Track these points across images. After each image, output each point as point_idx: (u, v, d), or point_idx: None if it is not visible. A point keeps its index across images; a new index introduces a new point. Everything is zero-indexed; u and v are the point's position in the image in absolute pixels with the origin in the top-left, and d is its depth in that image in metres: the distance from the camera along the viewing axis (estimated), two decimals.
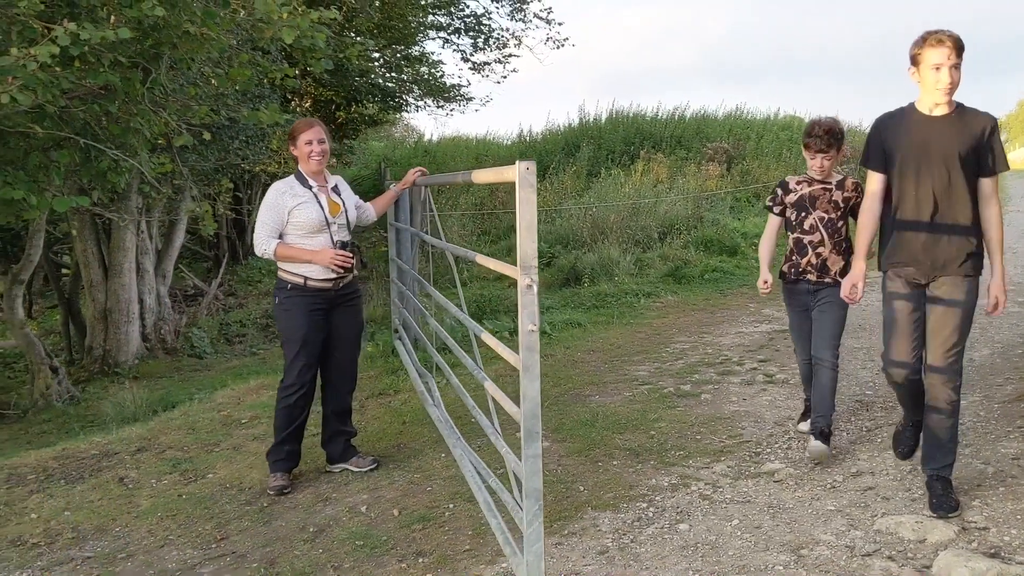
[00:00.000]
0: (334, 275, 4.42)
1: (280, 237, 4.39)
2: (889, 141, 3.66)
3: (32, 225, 8.95)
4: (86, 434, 6.32)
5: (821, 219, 4.39)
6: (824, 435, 4.31)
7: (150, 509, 4.30)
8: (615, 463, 4.51)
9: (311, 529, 3.93)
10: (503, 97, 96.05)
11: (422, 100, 19.70)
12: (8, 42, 5.50)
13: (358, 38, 13.96)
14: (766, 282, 4.56)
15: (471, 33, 18.50)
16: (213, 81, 7.63)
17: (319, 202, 4.40)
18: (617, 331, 8.11)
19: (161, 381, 9.23)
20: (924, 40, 3.47)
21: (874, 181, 3.74)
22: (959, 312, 3.59)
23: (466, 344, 4.88)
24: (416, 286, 7.20)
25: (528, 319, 2.81)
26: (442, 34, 18.69)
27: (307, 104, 16.66)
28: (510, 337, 7.06)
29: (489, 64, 19.40)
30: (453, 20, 18.15)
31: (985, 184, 3.59)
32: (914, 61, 3.54)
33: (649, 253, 11.74)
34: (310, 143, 4.41)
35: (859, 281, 3.78)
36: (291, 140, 4.53)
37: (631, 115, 19.84)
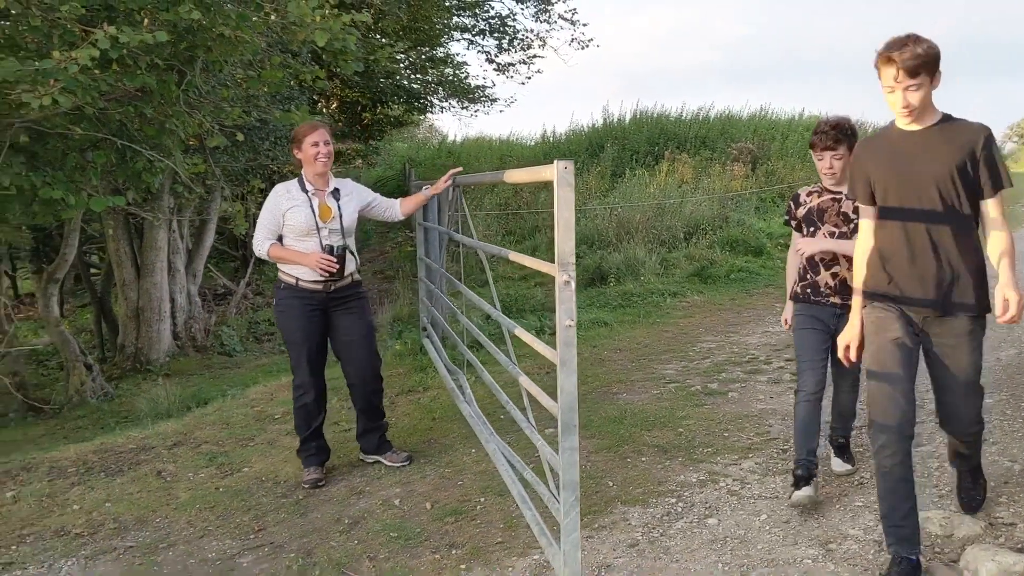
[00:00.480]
0: (322, 278, 4.46)
1: (281, 239, 4.50)
2: (869, 166, 3.18)
3: (68, 225, 9.12)
4: (122, 429, 6.45)
5: (831, 234, 3.87)
6: (842, 448, 4.25)
7: (189, 501, 4.40)
8: (644, 459, 4.57)
9: (346, 521, 4.02)
10: (527, 98, 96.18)
11: (447, 101, 19.82)
12: (50, 45, 5.64)
13: (383, 39, 14.09)
14: (787, 321, 4.08)
15: (496, 34, 18.60)
16: (244, 83, 7.76)
17: (312, 206, 4.46)
18: (643, 330, 8.16)
19: (192, 378, 9.38)
20: (879, 53, 2.95)
21: (864, 215, 3.26)
22: (967, 362, 3.12)
23: (496, 341, 4.95)
24: (444, 284, 7.29)
25: (565, 315, 2.88)
26: (467, 35, 18.82)
27: (333, 106, 16.83)
28: (536, 335, 7.13)
29: (513, 65, 19.50)
30: (478, 22, 18.25)
31: (988, 207, 3.03)
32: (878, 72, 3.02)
33: (675, 253, 11.77)
34: (316, 144, 4.46)
35: (853, 342, 3.23)
36: (296, 143, 4.56)
37: (655, 115, 19.83)
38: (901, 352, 3.09)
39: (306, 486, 4.48)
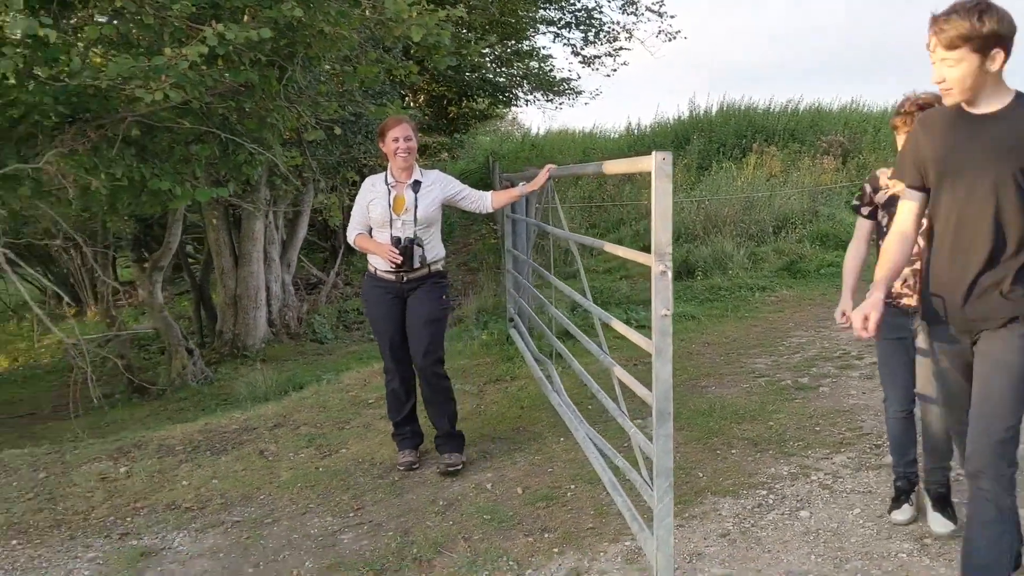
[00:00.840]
0: (392, 268, 4.59)
1: (371, 229, 4.69)
2: (924, 148, 2.74)
3: (171, 215, 9.52)
4: (223, 411, 6.73)
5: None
6: (942, 499, 3.60)
7: (290, 480, 4.59)
8: (734, 452, 4.57)
9: (440, 503, 4.14)
10: (611, 90, 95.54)
11: (532, 94, 19.90)
12: (160, 43, 5.91)
13: (469, 33, 14.25)
14: (844, 314, 3.47)
15: (582, 27, 18.56)
16: (339, 78, 7.98)
17: (389, 199, 4.61)
18: (732, 324, 8.10)
19: (287, 364, 9.68)
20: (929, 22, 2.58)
21: (907, 197, 2.85)
22: (1011, 377, 2.62)
23: (584, 332, 5.01)
24: (532, 275, 7.38)
25: (662, 304, 2.92)
26: (552, 28, 18.83)
27: (420, 100, 17.09)
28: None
29: (599, 58, 19.44)
30: (564, 14, 18.24)
31: None
32: None
33: (763, 247, 11.61)
34: (397, 140, 4.58)
35: (872, 310, 2.71)
36: (380, 137, 4.70)
37: (742, 108, 19.55)
38: (951, 376, 2.83)
39: (401, 468, 4.63)
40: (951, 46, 2.50)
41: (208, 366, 9.97)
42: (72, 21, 6.07)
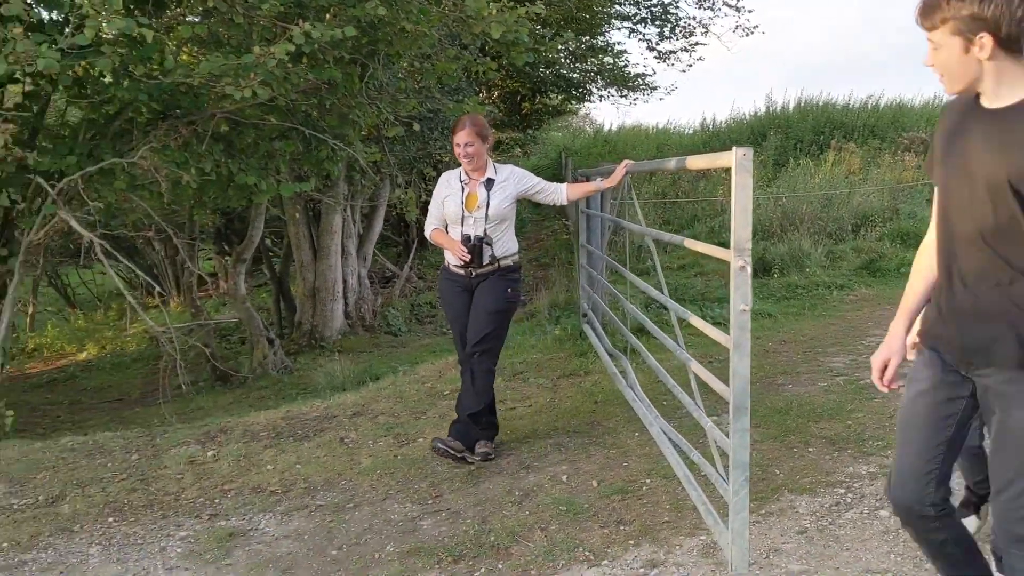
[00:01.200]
0: (461, 264, 4.70)
1: (447, 224, 4.82)
2: (936, 141, 2.37)
3: (254, 209, 9.80)
4: (303, 399, 6.91)
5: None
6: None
7: (371, 467, 4.72)
8: (811, 450, 4.54)
9: (517, 493, 4.21)
10: (686, 85, 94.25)
11: (606, 90, 19.87)
12: (249, 41, 6.12)
13: (542, 29, 14.30)
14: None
15: (657, 22, 18.46)
16: (417, 75, 8.12)
17: (462, 196, 4.73)
18: (809, 323, 8.00)
19: (363, 355, 9.90)
20: None
21: (934, 201, 2.39)
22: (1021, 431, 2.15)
23: (660, 327, 5.02)
24: (606, 271, 7.40)
25: (740, 299, 2.94)
26: (627, 24, 18.76)
27: (495, 95, 17.20)
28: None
29: (675, 53, 19.32)
30: (640, 10, 18.16)
31: None
32: None
33: (842, 245, 11.41)
34: (459, 145, 4.70)
35: (893, 357, 2.39)
36: (452, 134, 4.82)
37: (820, 104, 19.19)
38: (926, 410, 2.35)
39: (477, 459, 4.71)
40: (931, 28, 2.16)
41: (287, 356, 10.25)
42: (163, 20, 6.32)
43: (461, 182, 4.77)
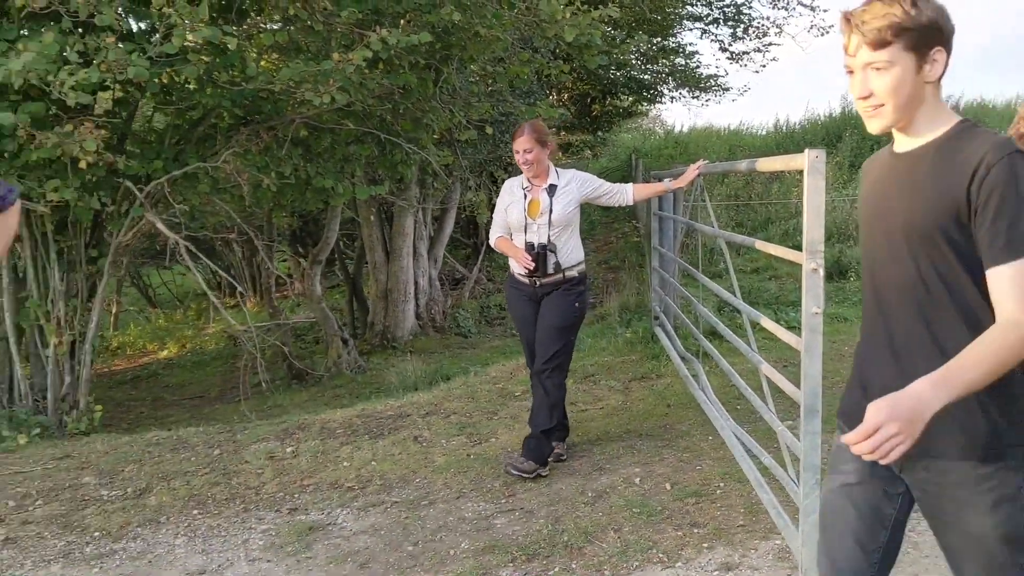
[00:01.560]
0: (524, 272, 4.64)
1: (511, 232, 4.76)
2: (860, 207, 2.05)
3: (330, 211, 10.02)
4: (377, 398, 7.04)
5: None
6: None
7: (444, 465, 4.79)
8: None
9: (590, 494, 4.24)
10: (759, 86, 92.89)
11: (677, 91, 19.71)
12: (328, 48, 6.26)
13: (614, 31, 14.27)
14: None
15: (730, 23, 18.25)
16: (489, 79, 8.20)
17: (524, 203, 4.66)
18: None
19: (433, 356, 10.02)
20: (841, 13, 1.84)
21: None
22: (978, 543, 1.76)
23: (732, 331, 4.99)
24: (678, 273, 7.37)
25: (812, 302, 2.92)
26: (699, 24, 18.59)
27: (564, 98, 17.23)
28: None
29: (748, 53, 19.06)
30: (712, 10, 17.99)
31: (996, 280, 1.67)
32: None
33: None
34: (518, 152, 4.62)
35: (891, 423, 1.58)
36: (512, 141, 4.77)
37: None
38: (855, 509, 1.93)
39: (549, 459, 4.74)
40: (879, 43, 1.74)
41: (360, 356, 10.44)
42: (245, 28, 6.51)
43: (523, 189, 4.71)
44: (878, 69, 1.76)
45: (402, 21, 6.16)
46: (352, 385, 9.18)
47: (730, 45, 18.78)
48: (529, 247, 4.61)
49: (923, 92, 1.78)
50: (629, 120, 25.11)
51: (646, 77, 18.56)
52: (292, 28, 6.42)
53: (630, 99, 19.38)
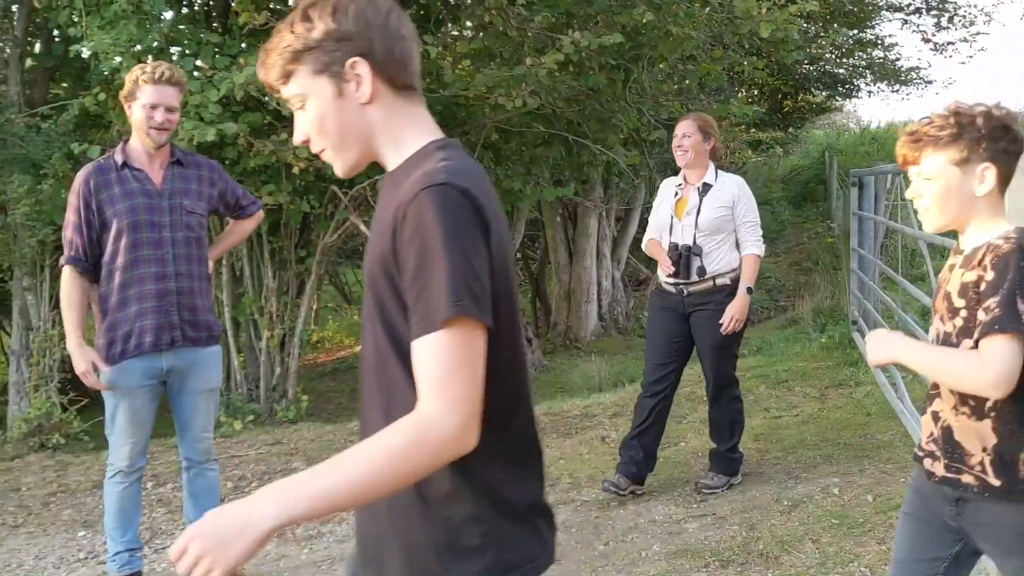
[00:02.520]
0: (667, 276, 4.30)
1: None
2: None
3: (516, 212, 10.21)
4: (562, 397, 7.12)
5: (937, 334, 1.99)
6: None
7: None
8: None
9: (785, 502, 4.11)
10: (965, 78, 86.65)
11: (875, 85, 18.74)
12: (520, 53, 6.40)
13: (809, 25, 13.74)
14: None
15: (933, 12, 17.15)
16: (677, 78, 8.11)
17: (673, 201, 4.32)
18: None
19: (616, 357, 10.00)
20: None
21: None
22: None
23: None
24: (878, 276, 7.02)
25: None
26: (899, 15, 17.58)
27: (755, 94, 16.77)
28: None
29: (953, 44, 17.85)
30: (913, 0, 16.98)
31: (418, 354, 1.28)
32: None
33: None
34: (676, 136, 4.30)
35: None
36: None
37: None
38: None
39: (606, 489, 4.36)
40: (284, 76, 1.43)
41: (543, 355, 10.56)
42: (440, 36, 6.76)
43: (676, 186, 4.36)
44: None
45: (596, 22, 6.19)
46: (536, 384, 9.31)
47: (933, 35, 17.65)
48: (672, 248, 4.24)
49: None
50: (822, 116, 24.13)
51: (841, 71, 17.76)
52: (483, 35, 6.60)
53: (824, 94, 18.59)
